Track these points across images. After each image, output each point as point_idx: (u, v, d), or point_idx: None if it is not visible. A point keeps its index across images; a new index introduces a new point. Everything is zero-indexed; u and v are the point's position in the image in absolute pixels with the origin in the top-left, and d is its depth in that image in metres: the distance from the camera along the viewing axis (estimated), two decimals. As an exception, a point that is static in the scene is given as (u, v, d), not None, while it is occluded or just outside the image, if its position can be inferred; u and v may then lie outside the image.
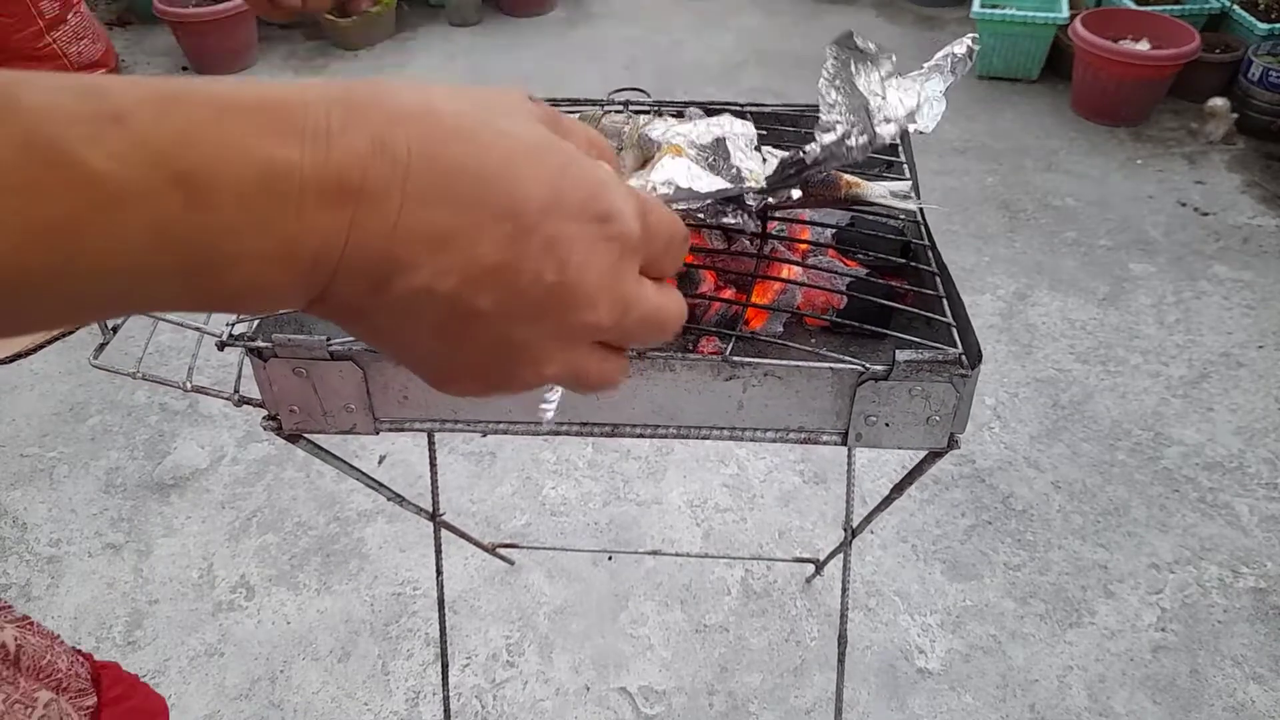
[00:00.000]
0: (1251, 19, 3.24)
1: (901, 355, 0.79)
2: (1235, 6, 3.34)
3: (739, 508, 2.04)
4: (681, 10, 4.40)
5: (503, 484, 2.11)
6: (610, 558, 1.94)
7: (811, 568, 1.86)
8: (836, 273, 1.00)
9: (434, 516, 1.40)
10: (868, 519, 1.27)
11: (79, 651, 0.81)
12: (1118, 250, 2.76)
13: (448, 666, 1.48)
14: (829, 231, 1.07)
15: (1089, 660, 1.73)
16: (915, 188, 1.02)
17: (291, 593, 1.90)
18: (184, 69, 4.04)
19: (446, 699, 1.51)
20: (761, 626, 1.81)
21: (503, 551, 1.87)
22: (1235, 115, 3.18)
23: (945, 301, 0.88)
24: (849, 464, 1.27)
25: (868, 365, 0.80)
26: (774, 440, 0.88)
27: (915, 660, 1.74)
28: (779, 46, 4.03)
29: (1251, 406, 2.23)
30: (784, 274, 0.97)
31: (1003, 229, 2.87)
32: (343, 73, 3.98)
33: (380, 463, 2.14)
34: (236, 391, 0.90)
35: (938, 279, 0.91)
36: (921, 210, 0.99)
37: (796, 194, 0.92)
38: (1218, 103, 3.19)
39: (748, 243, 1.01)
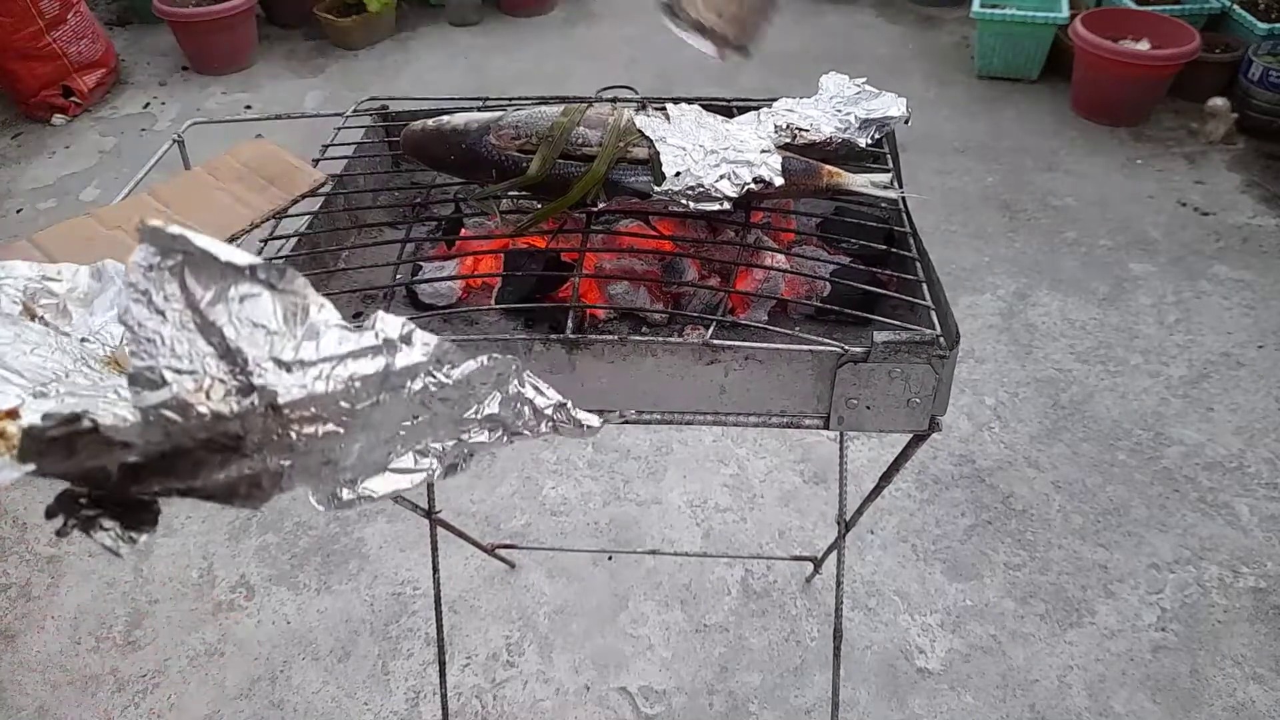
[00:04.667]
0: (1251, 19, 3.24)
1: (879, 336, 0.80)
2: (1235, 6, 3.34)
3: (739, 507, 2.04)
4: (682, 10, 4.40)
5: (503, 484, 2.11)
6: (610, 558, 1.94)
7: (811, 568, 1.86)
8: (820, 261, 1.00)
9: (430, 514, 1.40)
10: (859, 510, 1.28)
11: None
12: (1118, 250, 2.76)
13: (445, 665, 1.49)
14: (814, 222, 1.08)
15: (1089, 660, 1.73)
16: (897, 177, 1.03)
17: (291, 592, 1.90)
18: (184, 68, 4.04)
19: (444, 697, 1.51)
20: (762, 626, 1.81)
21: (502, 553, 1.88)
22: (1235, 115, 3.17)
23: (925, 286, 0.89)
24: (841, 455, 1.27)
25: (846, 347, 0.81)
26: (757, 424, 0.89)
27: (915, 660, 1.74)
28: (779, 46, 4.03)
29: (1252, 406, 2.22)
30: (768, 263, 0.98)
31: (1003, 229, 2.87)
32: (343, 72, 3.98)
33: (380, 462, 2.14)
34: None
35: (918, 264, 0.92)
36: (904, 199, 1.00)
37: (779, 182, 0.93)
38: (1218, 102, 3.18)
39: (733, 233, 1.02)
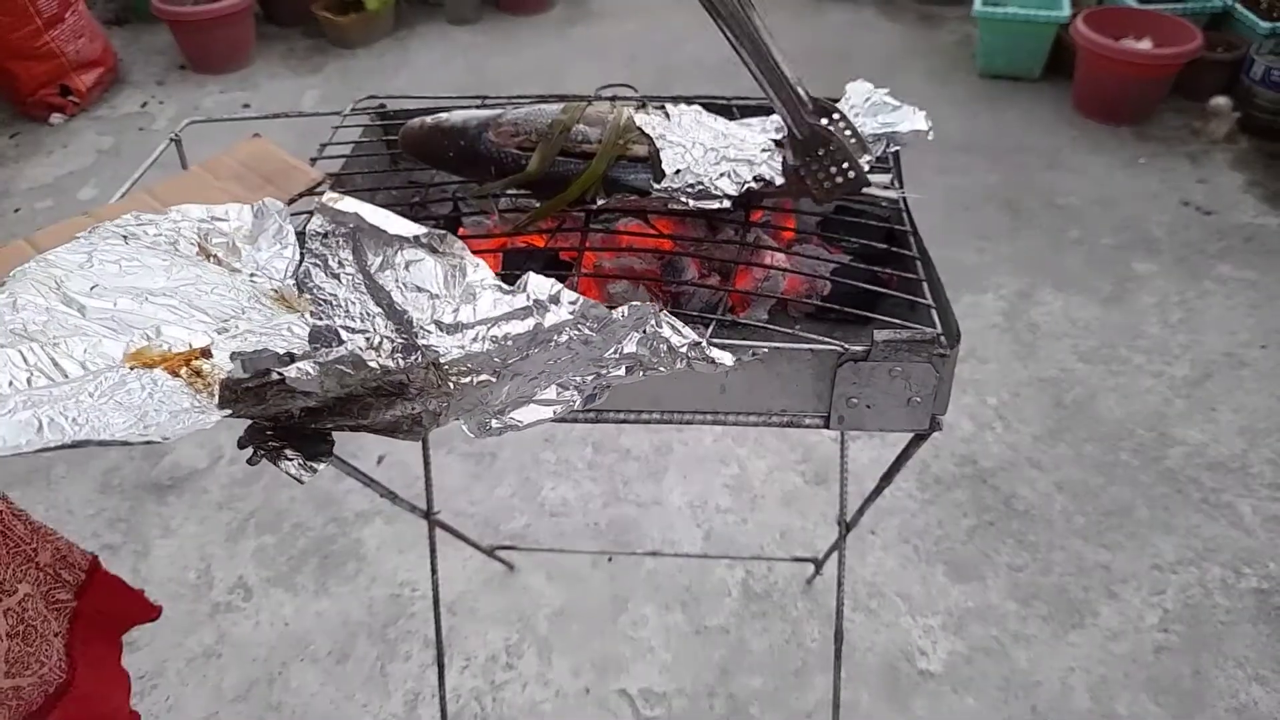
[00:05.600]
0: (1254, 17, 3.23)
1: (880, 335, 0.79)
2: (1238, 5, 3.32)
3: (740, 508, 2.03)
4: (681, 8, 4.38)
5: (501, 485, 2.09)
6: (610, 559, 1.93)
7: (812, 569, 1.85)
8: (821, 259, 0.99)
9: (428, 515, 1.39)
10: (861, 511, 1.27)
11: (71, 554, 0.86)
12: (1121, 249, 2.75)
13: (444, 668, 1.48)
14: (814, 220, 1.07)
15: (1091, 662, 1.72)
16: (898, 177, 1.02)
17: (289, 594, 1.89)
18: (182, 67, 4.03)
19: (443, 700, 1.50)
20: (763, 628, 1.80)
21: (501, 555, 1.87)
22: (1238, 114, 3.16)
23: (925, 284, 0.88)
24: (842, 455, 1.26)
25: (846, 346, 0.80)
26: (757, 424, 0.88)
27: (917, 662, 1.73)
28: (780, 43, 4.02)
29: (1255, 406, 2.21)
30: (768, 261, 0.97)
31: (1005, 228, 2.86)
32: (341, 71, 3.97)
33: (379, 463, 2.13)
34: None
35: (919, 263, 0.91)
36: (904, 198, 0.99)
37: (780, 180, 0.92)
38: (1220, 101, 3.17)
39: (733, 232, 1.01)
